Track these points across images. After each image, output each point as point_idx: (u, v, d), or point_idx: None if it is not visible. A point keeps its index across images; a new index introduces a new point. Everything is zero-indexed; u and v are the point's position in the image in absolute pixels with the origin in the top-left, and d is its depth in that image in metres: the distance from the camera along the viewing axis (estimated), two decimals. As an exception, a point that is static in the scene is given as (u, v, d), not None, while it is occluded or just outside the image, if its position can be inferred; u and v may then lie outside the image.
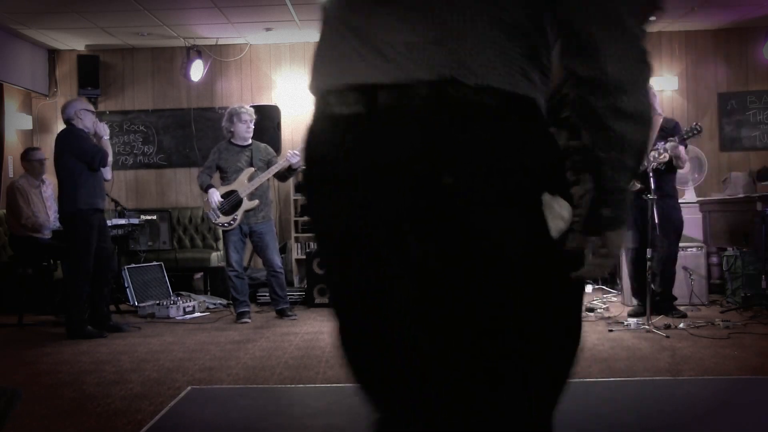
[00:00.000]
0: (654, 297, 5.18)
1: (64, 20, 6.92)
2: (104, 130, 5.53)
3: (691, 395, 3.41)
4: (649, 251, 5.04)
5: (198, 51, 7.77)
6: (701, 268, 6.13)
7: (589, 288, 6.66)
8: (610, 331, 4.92)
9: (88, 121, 5.45)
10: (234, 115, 5.90)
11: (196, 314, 6.36)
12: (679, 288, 5.77)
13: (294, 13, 6.79)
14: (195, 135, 7.98)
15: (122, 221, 6.42)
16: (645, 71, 1.08)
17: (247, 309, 5.91)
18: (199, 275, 7.49)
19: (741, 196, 6.16)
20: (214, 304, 6.81)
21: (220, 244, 7.15)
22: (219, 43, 7.87)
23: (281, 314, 5.95)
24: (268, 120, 6.98)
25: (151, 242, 7.23)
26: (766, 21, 7.44)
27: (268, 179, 5.93)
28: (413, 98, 1.03)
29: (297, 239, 7.66)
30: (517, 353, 1.08)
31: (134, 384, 3.81)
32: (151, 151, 8.07)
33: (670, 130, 5.36)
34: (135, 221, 6.60)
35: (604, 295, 6.49)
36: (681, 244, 5.68)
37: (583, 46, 1.04)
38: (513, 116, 1.06)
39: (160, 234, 7.27)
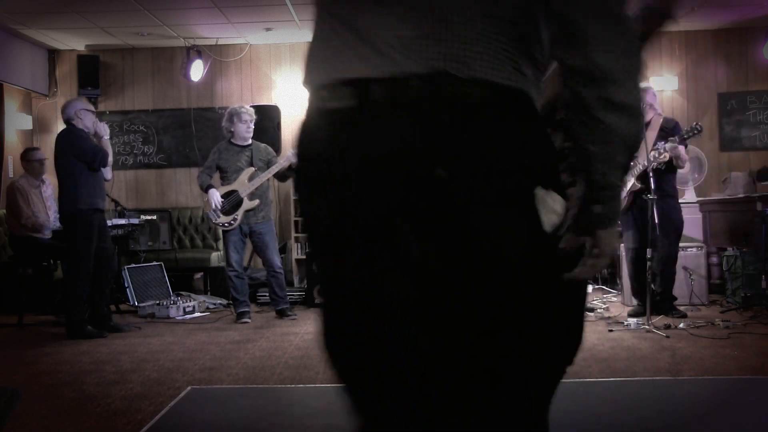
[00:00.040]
0: (654, 297, 5.18)
1: (64, 20, 6.92)
2: (104, 130, 5.53)
3: (691, 395, 3.41)
4: (649, 251, 5.04)
5: (198, 51, 7.78)
6: (701, 268, 6.13)
7: (589, 288, 6.65)
8: (610, 331, 4.92)
9: (88, 121, 5.45)
10: (234, 115, 5.90)
11: (196, 314, 6.36)
12: (679, 288, 5.77)
13: (294, 13, 6.79)
14: (195, 135, 7.99)
15: (122, 221, 6.42)
16: (635, 63, 1.07)
17: (247, 309, 5.91)
18: (199, 275, 7.49)
19: (741, 196, 6.16)
20: (214, 304, 6.81)
21: (220, 244, 7.15)
22: (219, 43, 7.88)
23: (281, 314, 5.95)
24: (268, 120, 6.98)
25: (151, 242, 7.23)
26: (766, 21, 7.44)
27: (268, 179, 5.93)
28: (406, 92, 1.03)
29: (297, 239, 7.66)
30: (517, 353, 1.08)
31: (134, 384, 3.81)
32: (151, 151, 8.07)
33: (670, 130, 5.37)
34: (135, 221, 6.61)
35: (604, 295, 6.49)
36: (681, 244, 5.68)
37: (571, 37, 1.04)
38: (505, 109, 1.06)
39: (160, 234, 7.27)
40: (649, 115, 5.34)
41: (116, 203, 6.54)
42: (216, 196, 5.83)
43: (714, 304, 6.03)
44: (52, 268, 6.38)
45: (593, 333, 4.83)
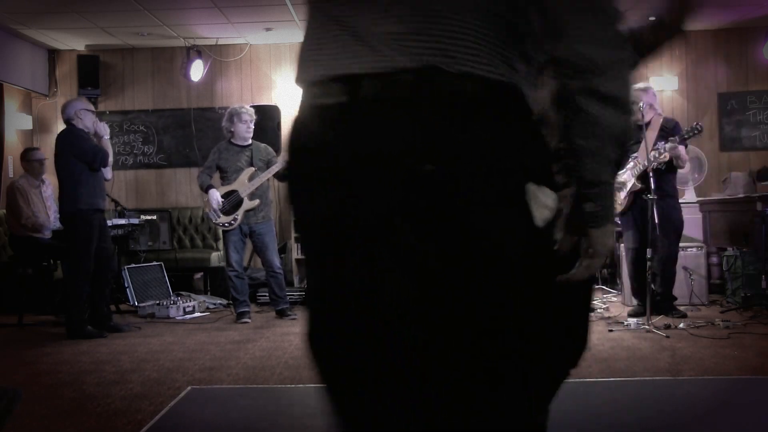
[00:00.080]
0: (654, 297, 5.18)
1: (64, 20, 6.92)
2: (104, 130, 5.53)
3: (691, 395, 3.41)
4: (649, 251, 5.04)
5: (198, 51, 7.78)
6: (701, 268, 6.13)
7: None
8: (610, 331, 4.92)
9: (88, 121, 5.45)
10: (234, 115, 5.90)
11: (196, 314, 6.36)
12: (679, 288, 5.77)
13: (294, 13, 6.79)
14: (195, 135, 7.99)
15: (122, 221, 6.42)
16: (620, 54, 1.05)
17: (247, 309, 5.91)
18: (199, 275, 7.49)
19: (741, 196, 6.16)
20: (214, 304, 6.81)
21: (220, 244, 7.15)
22: (219, 43, 7.88)
23: (281, 314, 5.95)
24: (268, 120, 6.98)
25: (151, 242, 7.23)
26: (766, 21, 7.44)
27: (268, 179, 5.93)
28: (397, 87, 1.03)
29: (297, 239, 7.65)
30: (517, 353, 1.08)
31: (134, 384, 3.81)
32: (151, 151, 8.07)
33: (670, 130, 5.37)
34: (135, 221, 6.61)
35: (604, 295, 6.49)
36: (681, 244, 5.68)
37: (556, 28, 1.03)
38: (496, 104, 1.05)
39: (160, 234, 7.27)
40: (649, 115, 5.34)
41: (116, 203, 6.54)
42: (216, 196, 5.83)
43: (714, 304, 6.03)
44: (52, 268, 6.38)
45: (593, 333, 4.81)
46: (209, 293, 7.28)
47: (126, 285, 6.55)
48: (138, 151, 8.07)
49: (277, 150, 6.55)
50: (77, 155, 5.30)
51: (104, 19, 6.93)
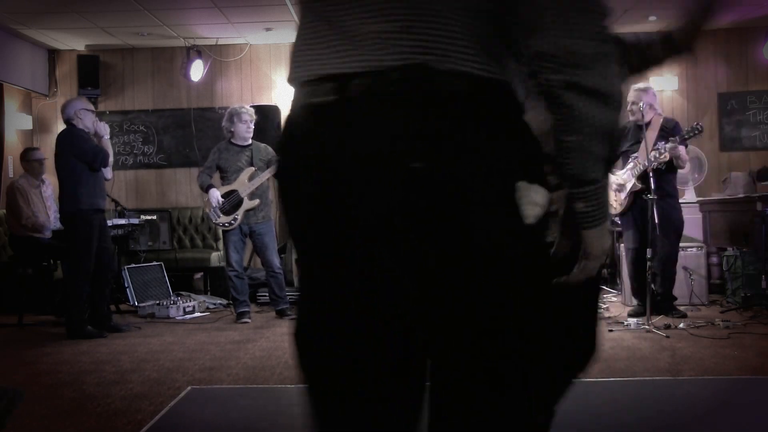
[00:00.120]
0: (654, 297, 5.18)
1: (64, 20, 6.92)
2: (104, 130, 5.53)
3: (691, 395, 3.41)
4: (649, 251, 5.04)
5: (198, 51, 7.78)
6: (701, 268, 6.13)
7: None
8: (610, 331, 4.92)
9: (88, 121, 5.45)
10: (234, 115, 5.91)
11: (196, 314, 6.36)
12: (679, 288, 5.77)
13: (294, 13, 6.79)
14: (195, 135, 7.99)
15: (122, 221, 6.42)
16: (604, 48, 1.03)
17: (247, 309, 5.91)
18: (199, 275, 7.49)
19: (741, 196, 6.16)
20: (214, 304, 6.81)
21: (220, 244, 7.15)
22: (219, 43, 7.88)
23: (281, 314, 5.95)
24: (268, 120, 6.98)
25: (151, 242, 7.23)
26: (766, 21, 7.44)
27: (268, 179, 5.93)
28: (385, 86, 1.03)
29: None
30: (517, 353, 1.08)
31: (134, 384, 3.81)
32: (151, 151, 8.07)
33: (670, 130, 5.37)
34: (135, 221, 6.61)
35: (604, 295, 6.49)
36: (681, 244, 5.68)
37: (539, 22, 1.02)
38: (485, 100, 1.05)
39: (160, 234, 7.27)
40: (649, 115, 5.34)
41: (116, 203, 6.54)
42: (216, 196, 5.84)
43: (714, 304, 6.03)
44: (52, 268, 6.38)
45: (593, 333, 4.83)
46: (209, 293, 7.28)
47: (126, 285, 6.55)
48: (138, 151, 8.07)
49: (277, 150, 6.55)
50: (77, 155, 5.30)
51: (104, 19, 6.92)
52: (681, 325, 5.00)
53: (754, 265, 5.75)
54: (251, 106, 6.16)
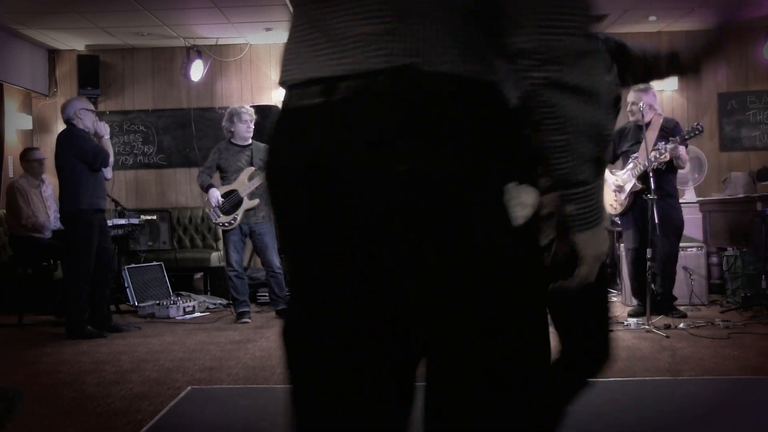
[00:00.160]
0: (654, 297, 5.18)
1: (64, 20, 6.92)
2: (104, 130, 5.53)
3: (691, 395, 3.41)
4: (649, 251, 5.04)
5: (198, 51, 7.78)
6: (701, 268, 6.14)
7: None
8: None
9: (87, 121, 5.45)
10: (234, 115, 5.91)
11: (196, 314, 6.36)
12: (679, 288, 5.77)
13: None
14: (195, 135, 7.99)
15: (122, 221, 6.42)
16: (586, 43, 1.01)
17: (247, 309, 5.91)
18: (199, 275, 7.49)
19: (741, 196, 6.16)
20: (214, 304, 6.81)
21: (220, 244, 7.15)
22: (219, 43, 7.88)
23: (281, 314, 5.95)
24: (268, 120, 6.97)
25: (151, 242, 7.23)
26: (766, 21, 7.44)
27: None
28: (372, 88, 1.03)
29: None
30: (517, 353, 1.08)
31: (134, 384, 3.81)
32: (151, 151, 8.07)
33: (670, 130, 5.37)
34: (135, 221, 6.61)
35: (604, 295, 6.48)
36: (681, 244, 5.68)
37: (518, 19, 1.00)
38: (475, 103, 1.04)
39: (160, 234, 7.27)
40: (649, 116, 5.34)
41: (116, 203, 6.54)
42: (216, 195, 5.84)
43: (714, 304, 6.03)
44: (52, 268, 6.38)
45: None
46: (209, 293, 7.28)
47: (126, 285, 6.55)
48: (138, 151, 8.08)
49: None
50: (78, 155, 5.30)
51: (104, 19, 6.93)
52: (681, 325, 5.00)
53: (754, 265, 5.75)
54: (251, 106, 6.16)
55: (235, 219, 5.83)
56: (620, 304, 6.17)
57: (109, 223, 5.93)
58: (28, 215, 6.07)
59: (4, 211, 6.48)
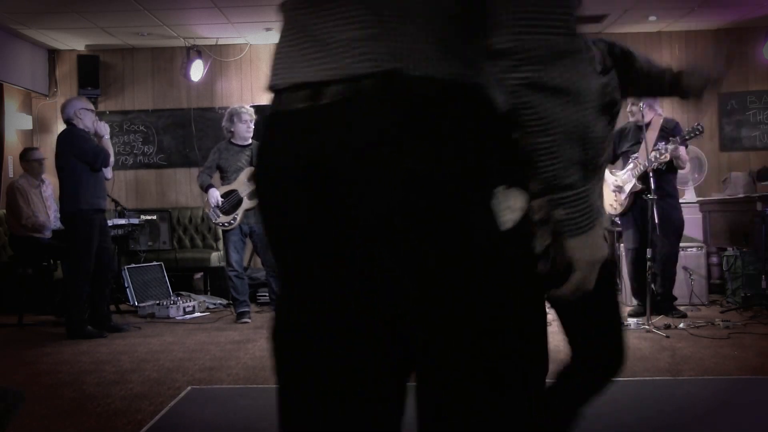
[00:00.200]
0: (654, 297, 5.18)
1: (64, 20, 6.92)
2: (104, 129, 5.54)
3: (691, 395, 3.41)
4: (649, 251, 5.04)
5: (198, 51, 7.78)
6: (701, 268, 6.14)
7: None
8: (610, 331, 4.92)
9: (87, 120, 5.45)
10: (234, 115, 5.91)
11: (196, 314, 6.36)
12: (679, 288, 5.78)
13: (294, 13, 6.79)
14: (195, 135, 7.99)
15: (122, 221, 6.42)
16: (567, 42, 0.99)
17: (247, 309, 5.91)
18: (199, 275, 7.49)
19: (741, 196, 6.16)
20: (214, 304, 6.81)
21: (220, 244, 7.15)
22: (219, 43, 7.88)
23: (281, 314, 5.95)
24: (267, 120, 6.97)
25: (151, 242, 7.23)
26: (766, 21, 7.44)
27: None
28: (358, 93, 1.03)
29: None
30: (517, 353, 1.08)
31: (134, 384, 3.81)
32: (151, 151, 8.07)
33: (670, 131, 5.37)
34: (135, 221, 6.61)
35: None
36: (681, 244, 5.68)
37: (496, 18, 0.99)
38: (458, 105, 1.04)
39: (160, 234, 7.27)
40: (649, 116, 5.34)
41: (116, 203, 6.54)
42: (216, 196, 5.84)
43: (714, 304, 6.03)
44: (52, 268, 6.38)
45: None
46: (209, 293, 7.28)
47: (126, 285, 6.55)
48: (138, 151, 8.08)
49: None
50: (78, 156, 5.30)
51: (104, 19, 6.93)
52: (681, 325, 5.00)
53: (754, 265, 5.75)
54: (251, 106, 6.16)
55: (234, 219, 5.83)
56: (620, 304, 6.16)
57: (109, 223, 5.93)
58: (28, 215, 6.07)
59: (4, 211, 6.48)
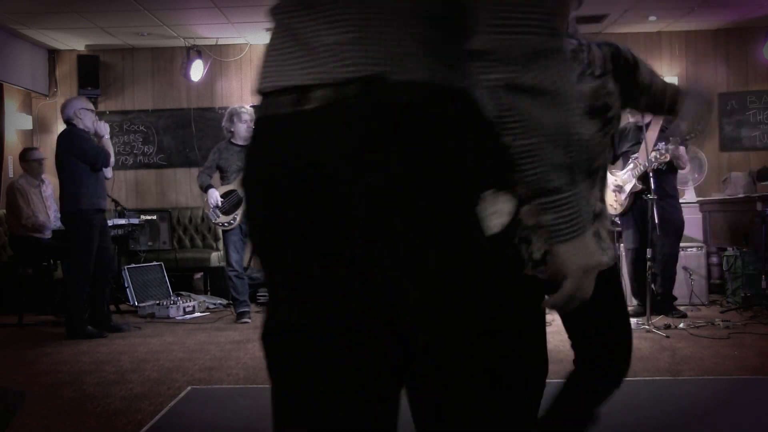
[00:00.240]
0: (654, 297, 5.18)
1: (64, 20, 6.92)
2: (104, 129, 5.54)
3: (691, 395, 3.41)
4: (649, 251, 5.04)
5: (198, 51, 7.78)
6: (701, 268, 6.14)
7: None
8: (610, 331, 4.92)
9: (87, 120, 5.46)
10: (234, 115, 5.91)
11: (196, 314, 6.36)
12: (679, 288, 5.78)
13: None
14: (195, 135, 7.99)
15: (122, 221, 6.43)
16: (545, 42, 0.97)
17: (247, 309, 5.91)
18: (199, 275, 7.49)
19: (741, 196, 6.16)
20: (214, 304, 6.81)
21: (220, 244, 7.15)
22: (219, 43, 7.88)
23: (281, 314, 5.95)
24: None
25: (151, 242, 7.23)
26: (766, 21, 7.44)
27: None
28: (343, 98, 1.03)
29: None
30: (517, 353, 1.08)
31: (134, 384, 3.81)
32: (151, 151, 8.07)
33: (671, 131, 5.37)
34: (135, 221, 6.61)
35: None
36: (681, 244, 5.68)
37: (473, 19, 0.98)
38: (442, 109, 1.04)
39: (160, 234, 7.28)
40: (649, 116, 5.34)
41: (116, 203, 6.54)
42: (215, 196, 5.84)
43: (714, 304, 6.03)
44: (52, 268, 6.38)
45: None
46: (209, 293, 7.28)
47: (126, 285, 6.55)
48: (138, 151, 8.08)
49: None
50: (78, 155, 5.30)
51: (104, 19, 6.93)
52: (681, 325, 5.00)
53: (754, 265, 5.75)
54: (251, 106, 6.16)
55: (234, 219, 5.83)
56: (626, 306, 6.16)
57: (109, 223, 5.93)
58: (28, 215, 6.07)
59: (4, 211, 6.48)
